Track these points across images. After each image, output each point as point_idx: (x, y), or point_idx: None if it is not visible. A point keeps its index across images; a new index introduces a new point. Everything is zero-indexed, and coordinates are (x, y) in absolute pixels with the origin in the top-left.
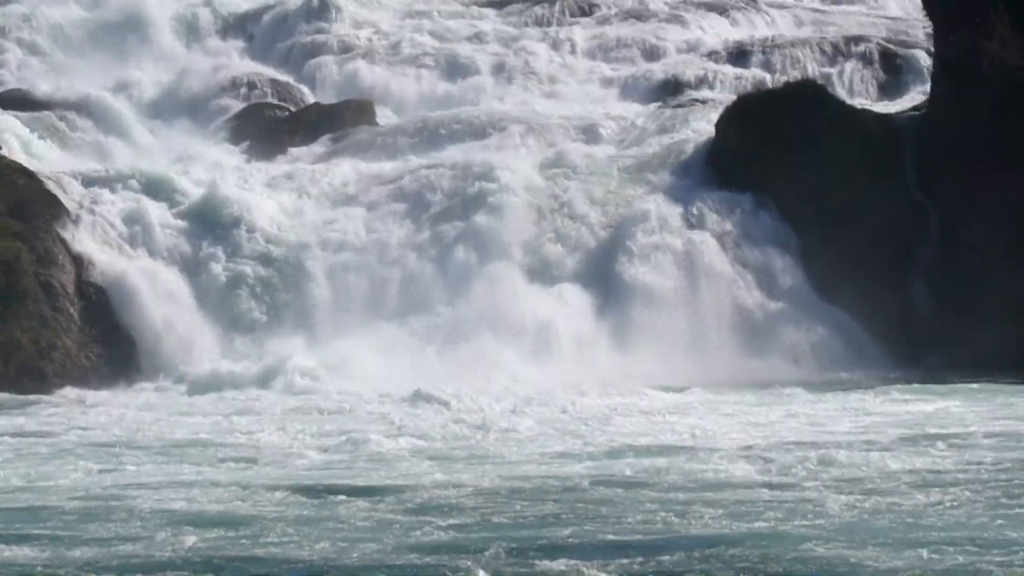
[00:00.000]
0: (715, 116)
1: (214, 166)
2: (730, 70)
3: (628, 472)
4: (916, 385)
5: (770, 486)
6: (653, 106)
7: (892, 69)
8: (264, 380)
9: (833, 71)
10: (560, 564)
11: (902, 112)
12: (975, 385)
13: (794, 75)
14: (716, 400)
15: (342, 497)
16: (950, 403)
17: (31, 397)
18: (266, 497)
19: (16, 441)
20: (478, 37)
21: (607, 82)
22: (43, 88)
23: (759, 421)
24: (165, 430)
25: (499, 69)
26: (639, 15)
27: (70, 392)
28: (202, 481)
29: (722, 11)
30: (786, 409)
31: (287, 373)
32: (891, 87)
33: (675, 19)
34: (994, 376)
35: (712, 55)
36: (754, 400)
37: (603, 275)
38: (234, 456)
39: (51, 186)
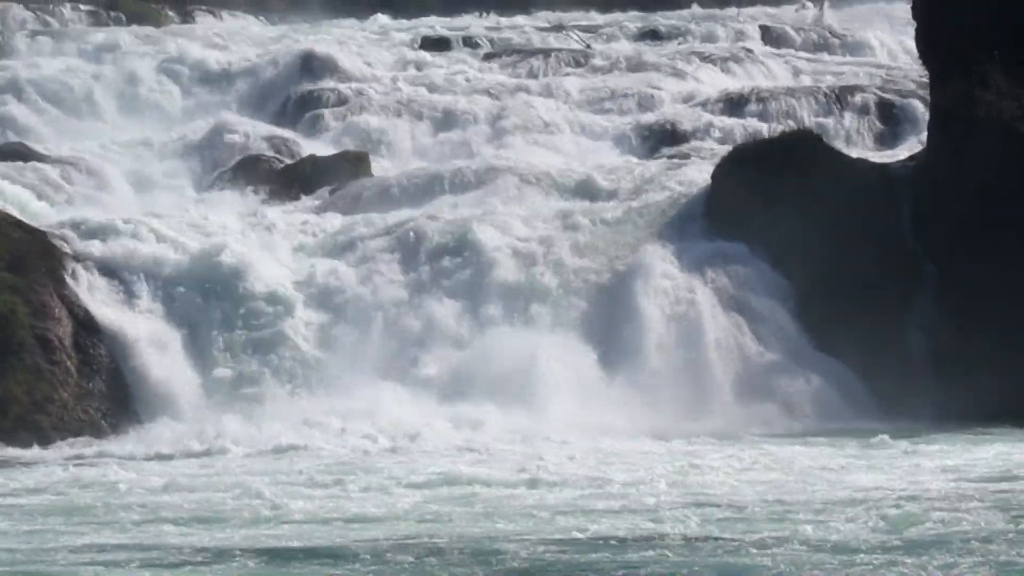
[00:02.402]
0: (711, 166)
1: (211, 218)
2: (726, 120)
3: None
4: (937, 434)
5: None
6: (648, 157)
7: (889, 119)
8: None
9: (829, 121)
10: None
11: (898, 162)
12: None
13: (790, 125)
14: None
15: None
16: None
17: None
18: None
19: None
20: (474, 88)
21: (602, 132)
22: (40, 142)
23: (856, 477)
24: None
25: (494, 120)
26: (634, 66)
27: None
28: None
29: (717, 61)
30: (843, 463)
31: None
32: (888, 137)
33: (670, 69)
34: (989, 426)
35: (707, 105)
36: (805, 451)
37: (597, 326)
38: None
39: (48, 239)
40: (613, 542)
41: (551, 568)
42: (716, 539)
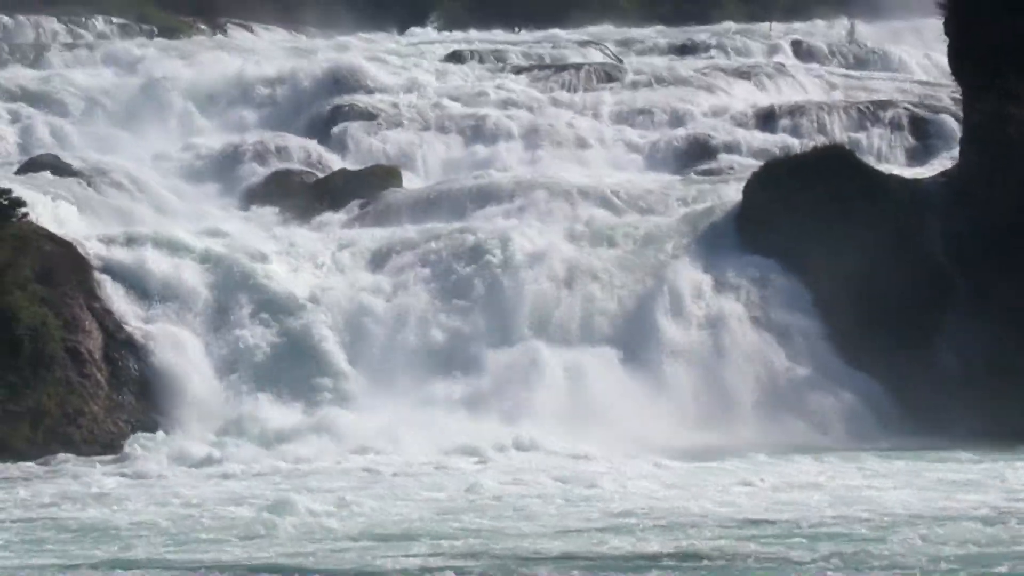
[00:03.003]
0: (742, 181)
1: (242, 232)
2: (757, 135)
3: None
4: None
5: None
6: (680, 172)
7: (920, 134)
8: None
9: (861, 136)
10: None
11: (930, 178)
12: None
13: (822, 140)
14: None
15: None
16: None
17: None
18: None
19: None
20: (505, 102)
21: (634, 147)
22: (71, 153)
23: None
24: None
25: (526, 134)
26: (666, 80)
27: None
28: None
29: (749, 76)
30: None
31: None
32: (919, 152)
33: (702, 84)
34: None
35: (739, 120)
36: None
37: (629, 341)
38: None
39: (78, 251)
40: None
41: None
42: None
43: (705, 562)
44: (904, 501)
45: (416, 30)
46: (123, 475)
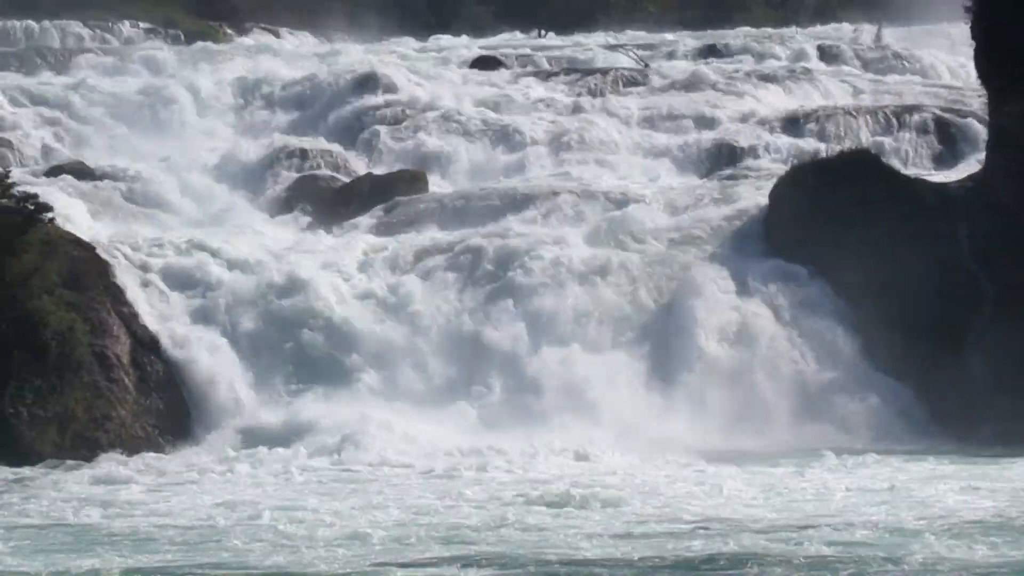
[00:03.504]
0: (769, 186)
1: (268, 237)
2: (784, 139)
3: None
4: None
5: None
6: (706, 176)
7: (947, 138)
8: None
9: (888, 140)
10: None
11: (957, 182)
12: None
13: (848, 145)
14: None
15: None
16: None
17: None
18: None
19: None
20: (532, 107)
21: (660, 152)
22: (98, 159)
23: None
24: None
25: (552, 139)
26: (692, 85)
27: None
28: None
29: (776, 81)
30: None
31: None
32: (946, 156)
33: (729, 89)
34: None
35: (766, 124)
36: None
37: (656, 345)
38: None
39: (105, 256)
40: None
41: None
42: None
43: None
44: (979, 505)
45: (442, 35)
46: (149, 479)
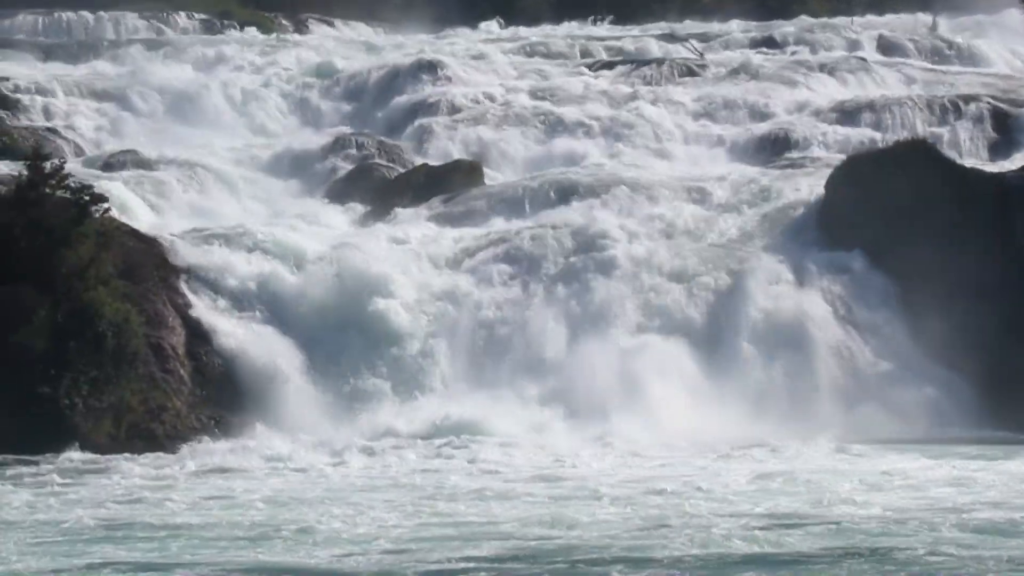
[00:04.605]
0: (824, 176)
1: (324, 227)
2: (839, 130)
3: None
4: None
5: None
6: (762, 166)
7: (1003, 128)
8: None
9: (943, 130)
10: None
11: (1013, 171)
12: None
13: (904, 135)
14: None
15: None
16: None
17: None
18: None
19: None
20: (587, 97)
21: (716, 142)
22: (154, 150)
23: None
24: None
25: (608, 129)
26: (748, 75)
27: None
28: None
29: (831, 71)
30: None
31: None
32: (1002, 146)
33: (784, 79)
34: None
35: (821, 114)
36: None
37: (713, 335)
38: None
39: (160, 247)
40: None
41: None
42: None
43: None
44: None
45: (497, 25)
46: (209, 472)
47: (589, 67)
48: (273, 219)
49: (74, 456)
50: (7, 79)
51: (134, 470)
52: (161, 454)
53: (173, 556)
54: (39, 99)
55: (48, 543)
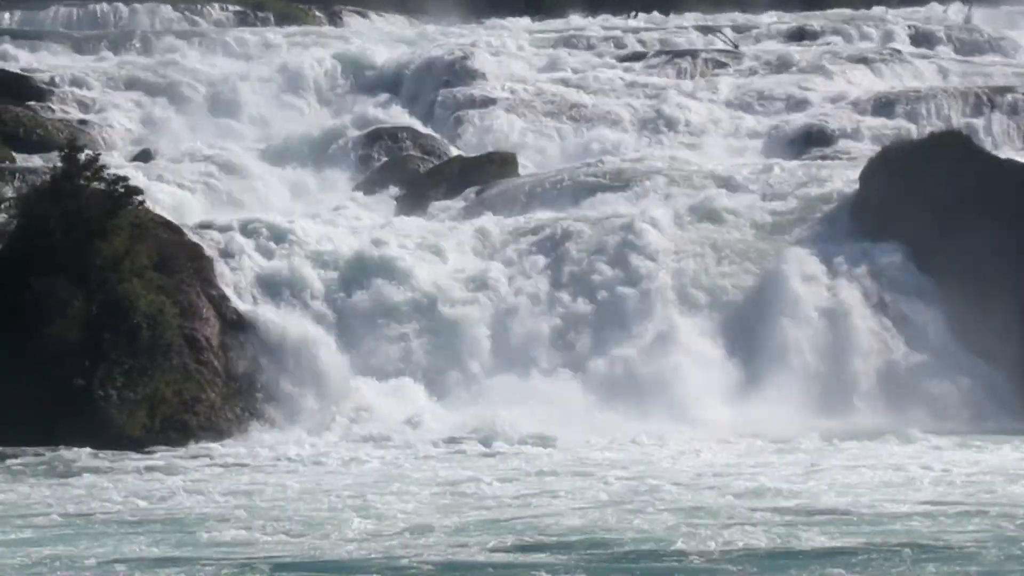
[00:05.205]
0: (859, 167)
1: (358, 219)
2: (875, 121)
3: None
4: None
5: None
6: (797, 158)
7: None
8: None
9: (979, 122)
10: None
11: None
12: None
13: (939, 126)
14: None
15: None
16: None
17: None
18: None
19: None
20: (622, 88)
21: (750, 133)
22: (188, 142)
23: None
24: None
25: (642, 120)
26: (782, 66)
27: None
28: None
29: (866, 62)
30: None
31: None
32: None
33: (819, 70)
34: None
35: (856, 106)
36: None
37: (746, 327)
38: None
39: (195, 239)
40: None
41: None
42: None
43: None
44: None
45: (531, 16)
46: (240, 465)
47: (623, 58)
48: (307, 211)
49: (106, 449)
50: (41, 71)
51: (174, 463)
52: (195, 445)
53: (200, 549)
54: (73, 91)
55: (71, 535)
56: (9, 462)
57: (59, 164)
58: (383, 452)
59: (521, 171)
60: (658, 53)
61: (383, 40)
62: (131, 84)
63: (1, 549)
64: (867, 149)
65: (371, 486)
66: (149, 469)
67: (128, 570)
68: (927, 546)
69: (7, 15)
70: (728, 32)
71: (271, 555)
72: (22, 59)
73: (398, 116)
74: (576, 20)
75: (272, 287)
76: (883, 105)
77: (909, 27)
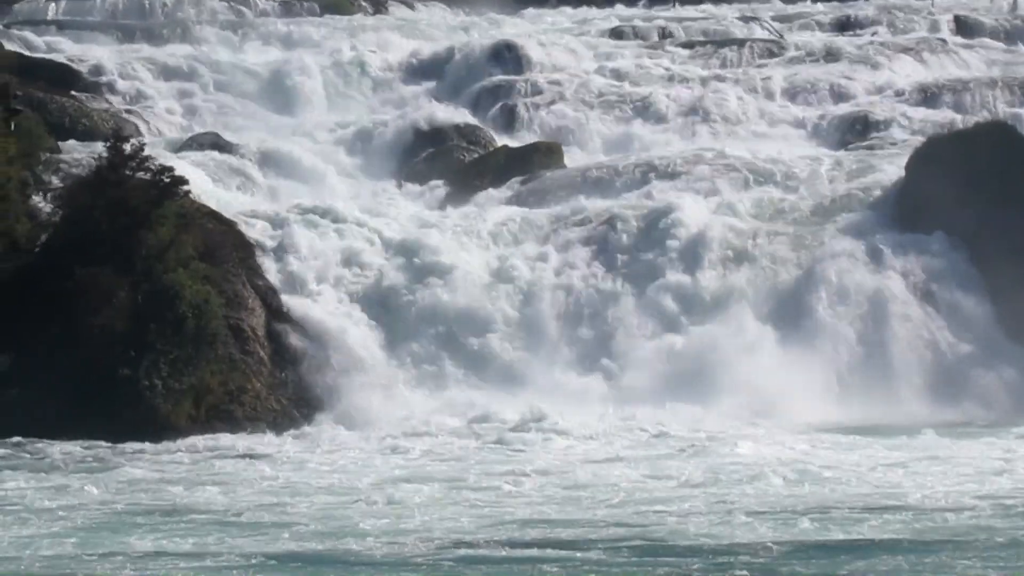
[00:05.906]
0: (904, 157)
1: (406, 209)
2: (920, 111)
3: None
4: None
5: None
6: (842, 148)
7: None
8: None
9: (1023, 111)
10: None
11: None
12: None
13: (984, 116)
14: None
15: None
16: None
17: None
18: None
19: None
20: (667, 79)
21: (796, 123)
22: (233, 132)
23: None
24: None
25: (688, 110)
26: (827, 56)
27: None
28: None
29: (911, 52)
30: None
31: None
32: None
33: (865, 60)
34: None
35: (901, 96)
36: None
37: (792, 315)
38: None
39: (241, 229)
40: None
41: None
42: None
43: None
44: None
45: (576, 6)
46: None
47: (668, 48)
48: (353, 201)
49: (150, 439)
50: (87, 61)
51: (219, 454)
52: (242, 435)
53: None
54: (119, 81)
55: (113, 525)
56: (50, 451)
57: (104, 154)
58: (428, 444)
59: (567, 161)
60: (704, 43)
61: (428, 30)
62: (176, 74)
63: (46, 540)
64: (912, 139)
65: (410, 479)
66: (193, 460)
67: (165, 562)
68: None
69: (53, 5)
70: (771, 22)
71: (305, 548)
72: (68, 49)
73: (444, 106)
74: (622, 10)
75: (317, 277)
76: (928, 95)
77: (954, 16)
